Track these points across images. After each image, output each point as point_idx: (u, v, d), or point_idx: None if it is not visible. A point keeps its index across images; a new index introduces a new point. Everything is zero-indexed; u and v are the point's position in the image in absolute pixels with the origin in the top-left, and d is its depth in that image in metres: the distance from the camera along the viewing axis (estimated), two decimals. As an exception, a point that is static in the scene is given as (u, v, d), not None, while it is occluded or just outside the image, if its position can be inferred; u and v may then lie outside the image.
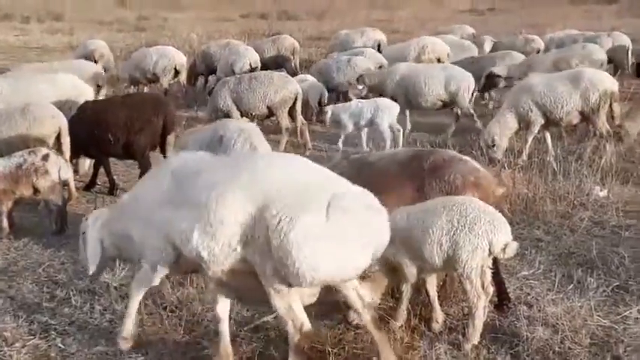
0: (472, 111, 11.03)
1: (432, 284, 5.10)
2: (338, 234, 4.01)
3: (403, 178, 5.36)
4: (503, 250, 4.66)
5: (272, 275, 4.11)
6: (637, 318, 5.14)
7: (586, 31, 17.35)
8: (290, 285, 4.12)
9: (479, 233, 4.62)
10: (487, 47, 16.46)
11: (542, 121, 9.18)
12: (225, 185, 4.18)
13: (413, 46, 14.13)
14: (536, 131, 9.24)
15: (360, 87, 11.59)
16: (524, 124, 9.25)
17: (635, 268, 5.90)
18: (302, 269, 3.95)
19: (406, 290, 5.09)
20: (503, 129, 9.23)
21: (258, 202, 4.08)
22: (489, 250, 4.65)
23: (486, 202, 4.98)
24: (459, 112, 11.08)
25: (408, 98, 11.07)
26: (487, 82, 12.33)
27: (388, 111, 10.09)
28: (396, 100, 10.64)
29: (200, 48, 16.05)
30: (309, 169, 4.40)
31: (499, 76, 12.14)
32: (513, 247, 4.70)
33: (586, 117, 9.12)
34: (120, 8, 35.68)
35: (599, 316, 5.16)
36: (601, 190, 7.77)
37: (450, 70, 11.24)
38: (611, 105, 9.06)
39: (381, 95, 11.07)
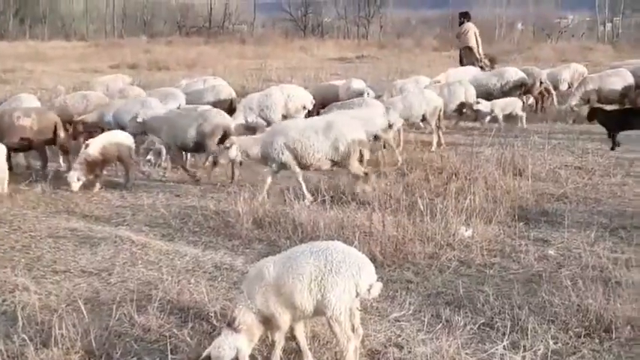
0: None
1: (300, 331, 5.10)
2: None
3: None
4: (369, 290, 4.74)
5: None
6: (502, 354, 5.27)
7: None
8: None
9: (345, 276, 4.71)
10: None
11: (295, 164, 9.62)
12: None
13: (276, 95, 14.02)
14: (298, 170, 9.66)
15: None
16: (275, 164, 9.71)
17: (500, 305, 6.08)
18: None
19: (279, 339, 5.08)
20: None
21: None
22: (356, 291, 4.71)
23: None
24: None
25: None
26: None
27: None
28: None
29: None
30: None
31: None
32: (377, 287, 4.82)
33: (336, 164, 9.62)
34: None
35: (466, 354, 5.26)
36: (466, 230, 8.00)
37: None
38: (361, 151, 9.62)
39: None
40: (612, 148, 12.76)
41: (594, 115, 13.25)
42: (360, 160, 9.65)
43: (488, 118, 15.17)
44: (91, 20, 64.36)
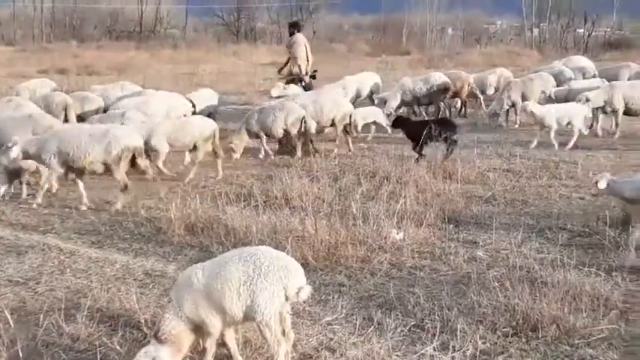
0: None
1: (230, 337, 5.10)
2: None
3: None
4: (298, 293, 4.77)
5: None
6: (432, 355, 5.35)
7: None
8: None
9: (274, 280, 4.72)
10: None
11: (61, 170, 9.92)
12: None
13: (156, 102, 13.78)
14: (52, 180, 10.15)
15: None
16: (50, 166, 9.89)
17: (430, 306, 6.17)
18: None
19: (210, 345, 5.06)
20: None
21: None
22: (285, 295, 4.73)
23: None
24: None
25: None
26: None
27: None
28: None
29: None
30: None
31: None
32: (307, 290, 4.85)
33: (108, 168, 9.86)
34: None
35: (397, 355, 5.35)
36: (398, 233, 8.09)
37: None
38: (135, 158, 10.00)
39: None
40: (418, 160, 12.12)
41: (398, 123, 13.06)
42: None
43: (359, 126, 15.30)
44: (18, 25, 62.76)
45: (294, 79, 17.59)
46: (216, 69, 32.76)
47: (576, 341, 5.53)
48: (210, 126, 11.81)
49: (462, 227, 8.69)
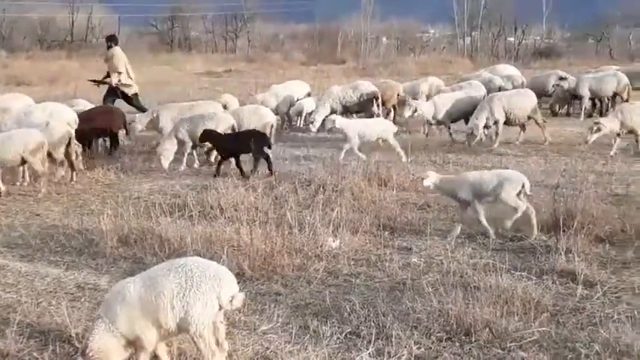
0: None
1: (163, 350, 5.05)
2: None
3: None
4: (231, 302, 4.75)
5: None
6: (367, 361, 5.39)
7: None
8: None
9: (206, 290, 4.71)
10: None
11: None
12: None
13: (37, 114, 13.22)
14: None
15: None
16: None
17: (365, 313, 6.19)
18: None
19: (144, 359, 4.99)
20: None
21: None
22: (218, 304, 4.71)
23: None
24: None
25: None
26: None
27: None
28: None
29: None
30: None
31: None
32: (239, 297, 4.86)
33: None
34: None
35: (333, 363, 5.36)
36: (334, 241, 8.11)
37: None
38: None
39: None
40: (247, 175, 12.12)
41: (206, 137, 12.59)
42: None
43: None
44: (-55, 34, 61.07)
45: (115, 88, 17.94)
46: (151, 78, 32.39)
47: (508, 344, 5.62)
48: (35, 139, 11.17)
49: (397, 234, 8.76)
